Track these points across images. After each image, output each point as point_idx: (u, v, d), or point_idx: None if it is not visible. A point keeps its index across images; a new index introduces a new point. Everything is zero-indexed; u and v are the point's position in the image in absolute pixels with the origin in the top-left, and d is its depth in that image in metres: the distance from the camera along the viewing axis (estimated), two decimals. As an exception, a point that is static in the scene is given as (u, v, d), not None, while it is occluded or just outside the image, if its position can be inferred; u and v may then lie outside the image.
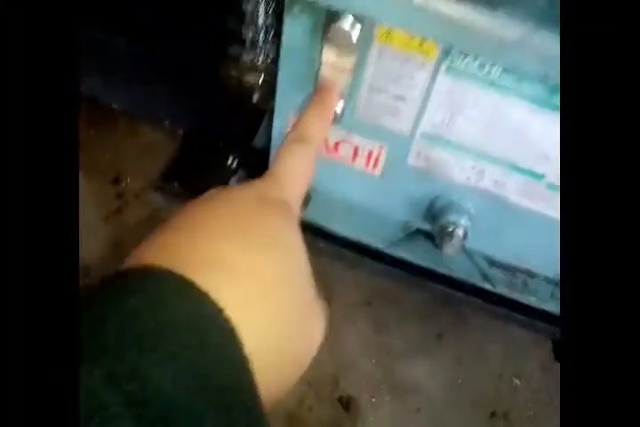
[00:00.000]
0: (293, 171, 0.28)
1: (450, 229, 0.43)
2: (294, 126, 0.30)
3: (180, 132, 0.57)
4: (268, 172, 0.28)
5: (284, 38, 0.38)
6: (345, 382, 0.51)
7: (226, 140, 0.52)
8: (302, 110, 0.32)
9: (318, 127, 0.31)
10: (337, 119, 0.36)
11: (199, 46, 0.54)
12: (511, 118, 0.39)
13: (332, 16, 0.34)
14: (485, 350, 0.53)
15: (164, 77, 0.60)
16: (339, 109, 0.36)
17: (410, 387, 0.51)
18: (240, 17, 0.43)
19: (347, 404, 0.52)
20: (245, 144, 0.51)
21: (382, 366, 0.51)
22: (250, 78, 0.47)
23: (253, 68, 0.46)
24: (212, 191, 0.26)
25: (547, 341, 0.47)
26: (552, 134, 0.39)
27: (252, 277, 0.22)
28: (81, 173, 0.61)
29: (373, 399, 0.52)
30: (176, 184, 0.48)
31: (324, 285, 0.53)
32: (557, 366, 0.50)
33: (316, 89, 0.35)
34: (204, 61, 0.52)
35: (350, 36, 0.32)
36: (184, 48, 0.56)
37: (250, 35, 0.46)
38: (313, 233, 0.46)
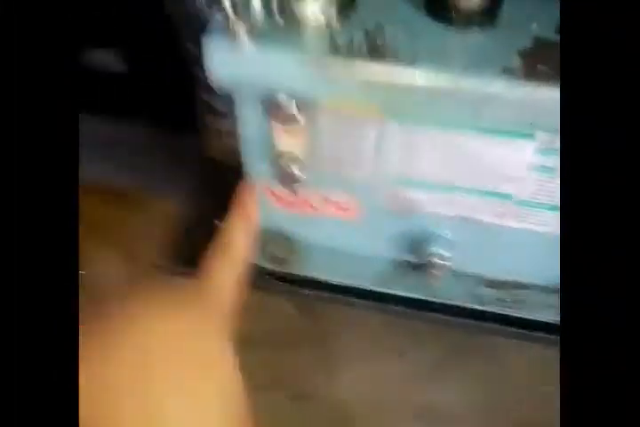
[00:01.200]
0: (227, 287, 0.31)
1: (432, 260, 0.45)
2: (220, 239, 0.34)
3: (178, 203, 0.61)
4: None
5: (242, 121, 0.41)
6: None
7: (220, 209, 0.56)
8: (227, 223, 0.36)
9: (242, 239, 0.35)
10: (297, 181, 0.39)
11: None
12: (465, 150, 0.41)
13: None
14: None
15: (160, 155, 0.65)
16: (298, 171, 0.39)
17: (431, 410, 0.52)
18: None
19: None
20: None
21: (405, 393, 0.52)
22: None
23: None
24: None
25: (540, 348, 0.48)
26: (508, 157, 0.41)
27: None
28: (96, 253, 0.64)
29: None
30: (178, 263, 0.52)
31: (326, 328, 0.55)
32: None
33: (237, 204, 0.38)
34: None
35: (290, 110, 0.35)
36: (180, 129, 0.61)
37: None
38: (303, 284, 0.49)
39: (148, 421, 0.23)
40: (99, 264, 0.64)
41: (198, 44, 0.36)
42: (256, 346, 0.55)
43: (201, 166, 0.62)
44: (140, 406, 0.23)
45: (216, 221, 0.56)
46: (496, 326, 0.48)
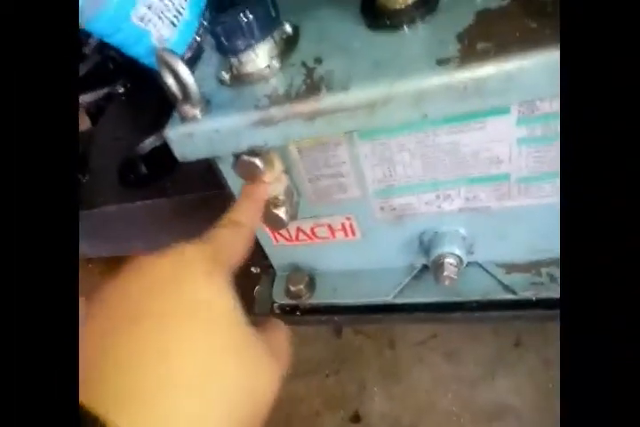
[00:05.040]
0: (230, 247, 0.29)
1: (442, 261, 0.44)
2: (232, 212, 0.32)
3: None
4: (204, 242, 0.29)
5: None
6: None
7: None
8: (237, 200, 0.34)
9: (252, 213, 0.33)
10: (285, 225, 0.39)
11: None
12: (441, 145, 0.40)
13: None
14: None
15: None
16: (283, 215, 0.39)
17: (494, 411, 0.50)
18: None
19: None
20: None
21: (460, 399, 0.50)
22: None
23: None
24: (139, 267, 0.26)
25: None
26: (489, 138, 0.39)
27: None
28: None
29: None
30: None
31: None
32: None
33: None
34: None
35: (256, 165, 0.36)
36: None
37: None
38: (329, 312, 0.48)
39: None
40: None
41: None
42: (302, 376, 0.54)
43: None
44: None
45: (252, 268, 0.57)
46: (540, 313, 0.46)
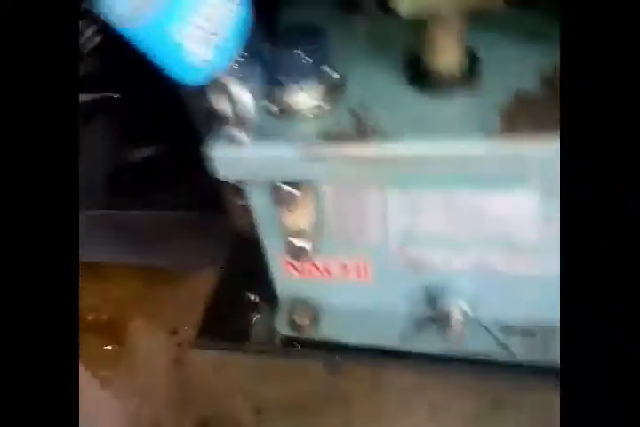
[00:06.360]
0: None
1: (451, 313, 0.46)
2: None
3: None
4: None
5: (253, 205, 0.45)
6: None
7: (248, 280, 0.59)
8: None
9: None
10: (307, 255, 0.41)
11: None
12: (467, 206, 0.43)
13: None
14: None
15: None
16: (308, 247, 0.41)
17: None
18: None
19: None
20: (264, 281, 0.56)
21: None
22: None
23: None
24: None
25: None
26: (509, 209, 0.42)
27: None
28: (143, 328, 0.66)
29: None
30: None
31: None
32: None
33: None
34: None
35: (292, 194, 0.38)
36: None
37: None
38: (328, 348, 0.50)
39: None
40: (139, 337, 0.67)
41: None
42: (286, 411, 0.55)
43: (230, 242, 0.66)
44: None
45: (249, 294, 0.59)
46: (530, 377, 0.48)
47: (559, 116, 0.28)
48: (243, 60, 0.47)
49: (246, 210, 0.50)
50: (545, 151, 0.34)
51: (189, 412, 0.59)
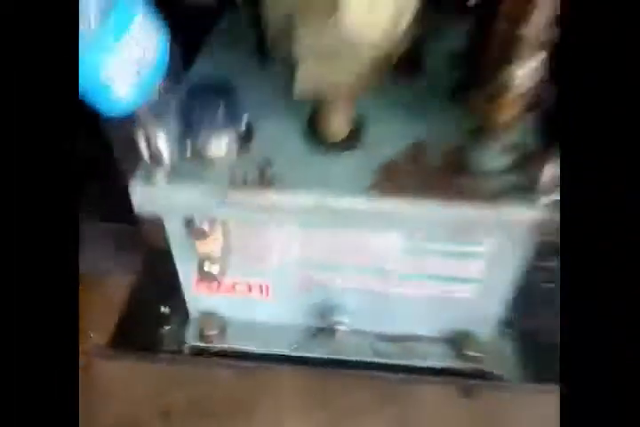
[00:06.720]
0: None
1: (336, 325, 0.55)
2: None
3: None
4: None
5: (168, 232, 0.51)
6: None
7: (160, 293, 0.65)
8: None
9: None
10: (215, 279, 0.48)
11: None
12: (347, 242, 0.51)
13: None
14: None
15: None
16: (215, 271, 0.48)
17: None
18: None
19: None
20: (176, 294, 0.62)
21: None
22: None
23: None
24: None
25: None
26: (384, 245, 0.52)
27: None
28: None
29: None
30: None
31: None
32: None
33: None
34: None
35: (203, 228, 0.45)
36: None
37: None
38: (233, 357, 0.58)
39: None
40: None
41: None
42: (193, 415, 0.62)
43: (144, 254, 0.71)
44: None
45: (160, 306, 0.64)
46: (398, 375, 0.59)
47: (422, 181, 0.37)
48: (159, 100, 0.53)
49: (161, 226, 0.56)
50: (409, 207, 0.44)
51: (96, 418, 0.63)
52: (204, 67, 0.55)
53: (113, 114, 0.48)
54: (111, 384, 0.64)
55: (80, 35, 0.41)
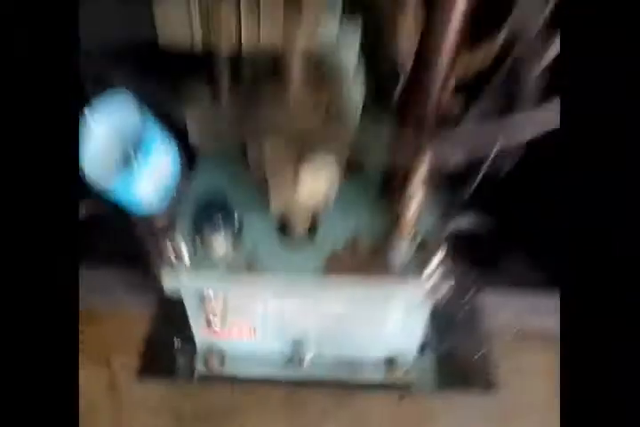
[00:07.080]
0: None
1: (304, 355, 0.78)
2: None
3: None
4: None
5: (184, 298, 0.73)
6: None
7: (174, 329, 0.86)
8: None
9: None
10: (220, 325, 0.71)
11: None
12: (312, 305, 0.74)
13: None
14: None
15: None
16: (218, 323, 0.71)
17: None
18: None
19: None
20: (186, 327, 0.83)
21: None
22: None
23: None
24: None
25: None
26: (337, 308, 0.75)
27: None
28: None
29: None
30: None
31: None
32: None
33: None
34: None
35: (211, 298, 0.68)
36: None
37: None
38: (231, 378, 0.82)
39: None
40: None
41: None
42: (197, 420, 0.84)
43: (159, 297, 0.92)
44: None
45: (175, 340, 0.86)
46: (350, 387, 0.82)
47: (357, 264, 0.61)
48: (174, 209, 0.73)
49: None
50: (349, 283, 0.66)
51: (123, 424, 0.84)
52: (202, 181, 0.77)
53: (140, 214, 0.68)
54: (137, 399, 0.86)
55: (115, 164, 0.62)
